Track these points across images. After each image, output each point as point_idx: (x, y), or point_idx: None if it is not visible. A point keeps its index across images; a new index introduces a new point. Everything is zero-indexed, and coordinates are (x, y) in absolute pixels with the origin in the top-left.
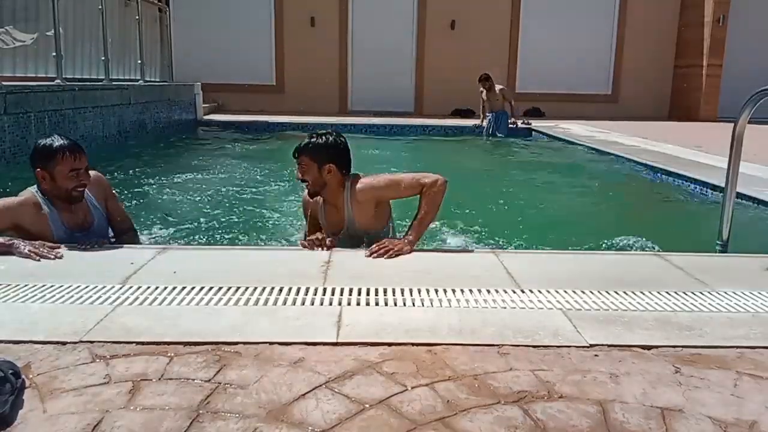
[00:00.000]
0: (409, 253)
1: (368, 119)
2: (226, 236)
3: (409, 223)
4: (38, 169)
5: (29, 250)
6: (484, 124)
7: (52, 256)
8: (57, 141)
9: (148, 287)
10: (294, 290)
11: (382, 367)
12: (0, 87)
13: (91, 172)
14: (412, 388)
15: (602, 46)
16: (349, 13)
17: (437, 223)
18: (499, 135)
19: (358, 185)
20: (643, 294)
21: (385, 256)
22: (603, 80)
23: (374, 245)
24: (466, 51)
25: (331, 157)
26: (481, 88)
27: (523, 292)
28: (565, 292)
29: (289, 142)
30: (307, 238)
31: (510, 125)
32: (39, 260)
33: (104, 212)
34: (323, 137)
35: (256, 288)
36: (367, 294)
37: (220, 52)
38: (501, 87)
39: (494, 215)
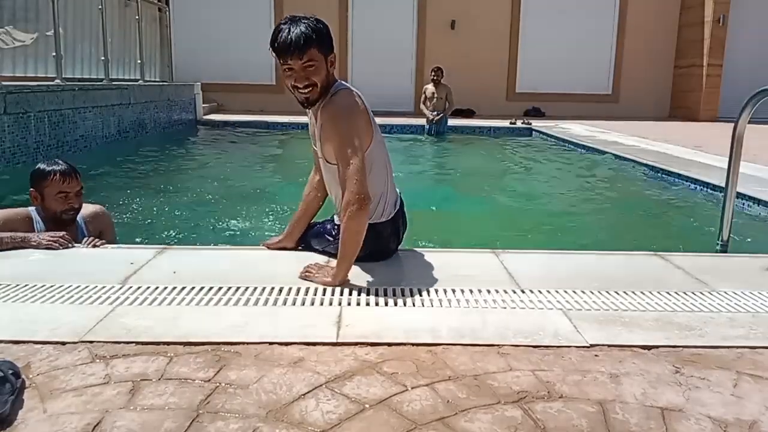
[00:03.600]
0: (336, 286)
1: None
2: (226, 236)
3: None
4: (31, 189)
5: (48, 240)
6: (427, 123)
7: (69, 246)
8: (51, 164)
9: (148, 287)
10: (294, 290)
11: (382, 367)
12: (0, 87)
13: (95, 206)
14: (412, 388)
15: (602, 46)
16: (349, 13)
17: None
18: (440, 134)
19: (332, 102)
20: (643, 294)
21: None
22: (603, 80)
23: (306, 266)
24: (466, 51)
25: (332, 43)
26: (429, 83)
27: (523, 292)
28: (565, 292)
29: (290, 142)
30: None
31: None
32: (59, 248)
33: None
34: (314, 20)
35: (256, 288)
36: (367, 294)
37: (220, 52)
38: (447, 85)
39: (494, 215)
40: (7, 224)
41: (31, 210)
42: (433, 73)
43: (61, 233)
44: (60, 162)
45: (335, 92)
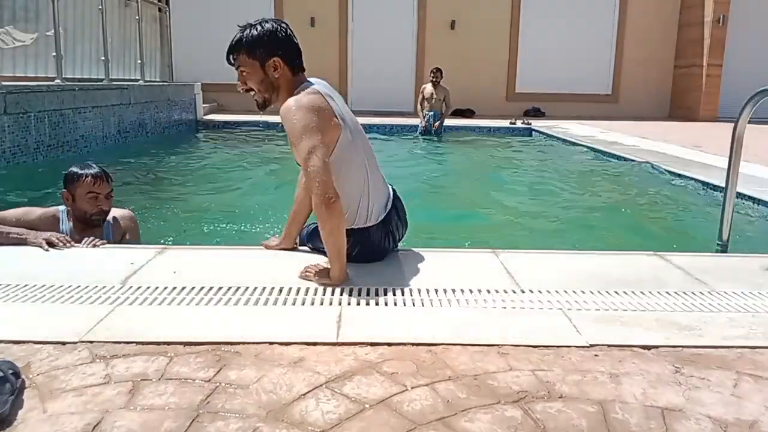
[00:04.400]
0: (337, 285)
1: (368, 119)
2: (226, 236)
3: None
4: (64, 190)
5: (43, 239)
6: (423, 123)
7: (66, 246)
8: (84, 167)
9: (148, 287)
10: (294, 290)
11: (382, 367)
12: (0, 87)
13: (123, 210)
14: (412, 388)
15: (602, 46)
16: (349, 13)
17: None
18: (435, 135)
19: (286, 103)
20: (643, 294)
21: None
22: (603, 80)
23: (305, 267)
24: (466, 51)
25: (273, 47)
26: (428, 84)
27: (523, 292)
28: (565, 292)
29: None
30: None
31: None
32: (48, 250)
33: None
34: (258, 26)
35: (256, 288)
36: (367, 294)
37: (220, 52)
38: (445, 87)
39: (494, 215)
40: (33, 223)
41: (60, 210)
42: (432, 75)
43: (62, 234)
44: (93, 165)
45: (297, 93)
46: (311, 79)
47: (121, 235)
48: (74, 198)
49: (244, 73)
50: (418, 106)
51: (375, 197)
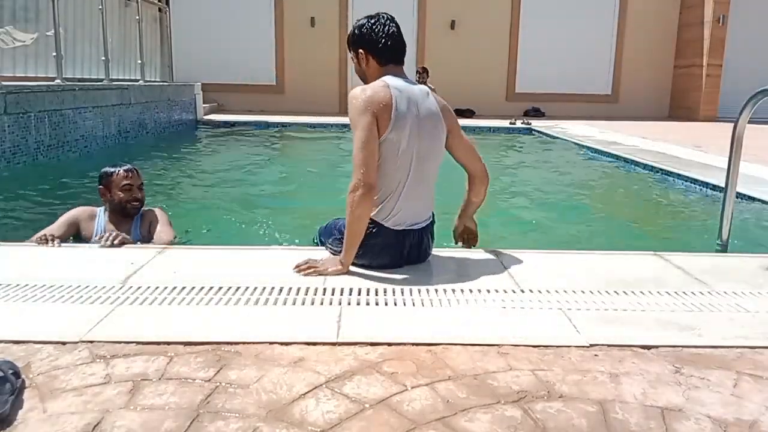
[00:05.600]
0: (341, 273)
1: None
2: (226, 236)
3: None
4: (100, 187)
5: (36, 237)
6: None
7: (53, 245)
8: (115, 165)
9: (148, 287)
10: (294, 290)
11: (382, 366)
12: (0, 87)
13: (152, 207)
14: (412, 388)
15: (602, 46)
16: (349, 13)
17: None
18: None
19: (353, 91)
20: (643, 294)
21: (313, 273)
22: (603, 80)
23: (306, 262)
24: (466, 51)
25: (358, 42)
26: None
27: (523, 292)
28: (565, 292)
29: (290, 141)
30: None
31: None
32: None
33: (143, 237)
34: (360, 21)
35: (256, 288)
36: (367, 294)
37: (220, 52)
38: (432, 87)
39: (494, 215)
40: (75, 217)
41: (99, 209)
42: (418, 74)
43: (49, 233)
44: (122, 162)
45: (389, 74)
46: (392, 75)
47: (147, 227)
48: (110, 191)
49: (353, 61)
50: None
51: (406, 205)
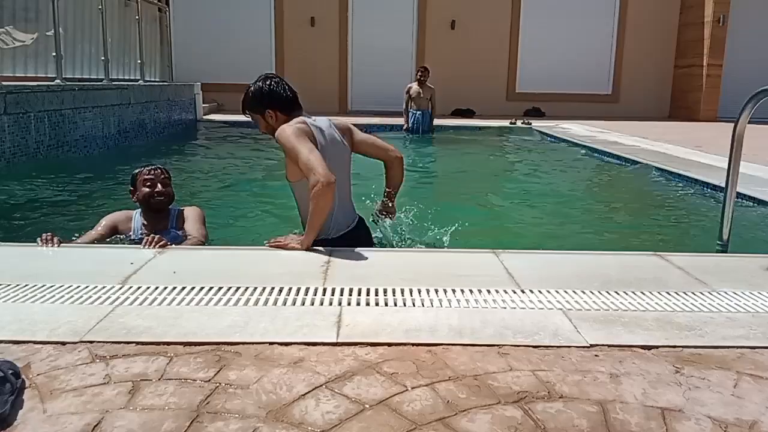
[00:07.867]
0: (302, 250)
1: (368, 119)
2: (226, 236)
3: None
4: (131, 188)
5: (39, 237)
6: (407, 124)
7: (51, 245)
8: (141, 166)
9: (148, 287)
10: (294, 290)
11: (382, 367)
12: (0, 87)
13: (190, 207)
14: (412, 388)
15: (602, 46)
16: (349, 13)
17: (437, 222)
18: (424, 134)
19: (279, 129)
20: (643, 294)
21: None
22: (603, 80)
23: (274, 238)
24: (466, 51)
25: (266, 104)
26: (414, 83)
27: (523, 292)
28: (565, 292)
29: None
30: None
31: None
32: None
33: (178, 234)
34: (250, 88)
35: (256, 288)
36: (367, 294)
37: (220, 52)
38: (432, 87)
39: (494, 215)
40: (114, 219)
41: (135, 212)
42: (420, 73)
43: (49, 234)
44: (146, 165)
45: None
46: (301, 116)
47: (182, 226)
48: (136, 188)
49: (256, 122)
50: (405, 107)
51: (337, 213)
